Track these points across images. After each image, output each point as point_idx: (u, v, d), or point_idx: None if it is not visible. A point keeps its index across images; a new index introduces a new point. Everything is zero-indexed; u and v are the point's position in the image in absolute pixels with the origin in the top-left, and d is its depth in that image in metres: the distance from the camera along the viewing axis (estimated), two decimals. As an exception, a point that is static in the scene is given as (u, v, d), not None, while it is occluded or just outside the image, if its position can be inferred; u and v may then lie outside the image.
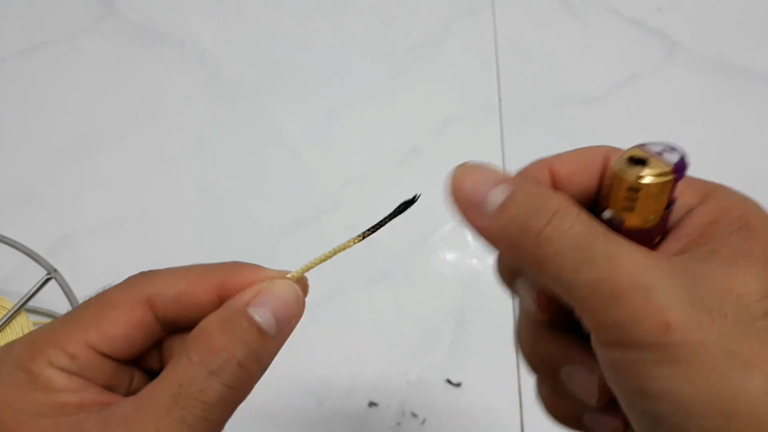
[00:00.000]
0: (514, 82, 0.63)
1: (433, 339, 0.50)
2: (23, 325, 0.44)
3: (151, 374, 0.26)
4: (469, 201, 0.22)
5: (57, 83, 0.63)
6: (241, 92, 0.63)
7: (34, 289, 0.43)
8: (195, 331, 0.23)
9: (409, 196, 0.25)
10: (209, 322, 0.23)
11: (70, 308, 0.44)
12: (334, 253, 0.25)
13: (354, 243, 0.25)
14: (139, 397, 0.22)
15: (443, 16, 0.68)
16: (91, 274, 0.52)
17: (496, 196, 0.22)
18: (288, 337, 0.24)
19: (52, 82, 0.63)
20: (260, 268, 0.25)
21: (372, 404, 0.47)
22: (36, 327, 0.46)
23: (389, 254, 0.52)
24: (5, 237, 0.46)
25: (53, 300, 0.48)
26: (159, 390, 0.22)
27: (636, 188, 0.21)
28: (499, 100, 0.62)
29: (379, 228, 0.25)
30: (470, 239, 0.54)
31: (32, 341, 0.23)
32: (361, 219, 0.56)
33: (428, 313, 0.51)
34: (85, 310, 0.23)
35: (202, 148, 0.60)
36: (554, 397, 0.25)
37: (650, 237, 0.22)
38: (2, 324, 0.43)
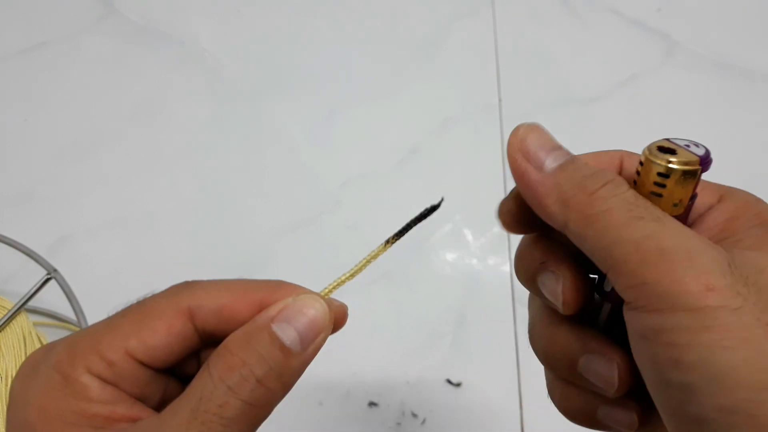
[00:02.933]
0: (514, 82, 0.63)
1: (433, 339, 0.50)
2: (23, 325, 0.44)
3: (187, 381, 0.26)
4: (528, 154, 0.23)
5: (57, 83, 0.63)
6: (241, 92, 0.63)
7: (34, 289, 0.43)
8: (219, 347, 0.23)
9: (435, 201, 0.25)
10: (232, 338, 0.23)
11: (70, 308, 0.44)
12: (366, 263, 0.25)
13: (384, 250, 0.25)
14: (162, 414, 0.22)
15: (443, 16, 0.68)
16: (91, 274, 0.52)
17: (557, 157, 0.23)
18: (315, 354, 0.23)
19: (52, 82, 0.63)
20: (302, 288, 0.25)
21: (372, 404, 0.47)
22: (36, 327, 0.46)
23: (389, 254, 0.52)
24: (5, 237, 0.46)
25: (53, 300, 0.48)
26: (180, 405, 0.22)
27: (666, 174, 0.21)
28: (499, 100, 0.62)
29: (405, 232, 0.25)
30: (470, 239, 0.54)
31: (72, 345, 0.23)
32: (361, 219, 0.56)
33: (428, 313, 0.51)
34: (126, 317, 0.23)
35: (202, 148, 0.60)
36: (568, 393, 0.25)
37: None
38: (2, 324, 0.43)
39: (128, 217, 0.56)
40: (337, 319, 0.25)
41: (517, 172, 0.23)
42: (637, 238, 0.20)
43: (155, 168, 0.58)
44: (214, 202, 0.57)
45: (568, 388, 0.25)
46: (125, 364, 0.22)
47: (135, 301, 0.24)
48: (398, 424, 0.47)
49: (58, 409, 0.22)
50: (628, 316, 0.21)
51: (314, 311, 0.23)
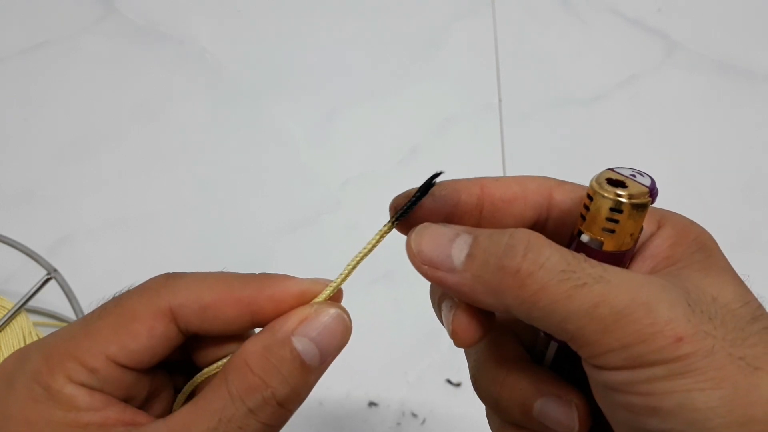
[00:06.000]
0: (514, 82, 0.63)
1: (433, 339, 0.50)
2: (23, 325, 0.44)
3: (172, 369, 0.25)
4: (432, 262, 0.21)
5: (57, 83, 0.63)
6: (241, 92, 0.63)
7: (34, 289, 0.43)
8: (236, 359, 0.21)
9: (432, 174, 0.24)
10: (251, 352, 0.21)
11: (70, 308, 0.44)
12: (371, 248, 0.24)
13: (387, 232, 0.24)
14: (171, 425, 0.21)
15: (443, 16, 0.68)
16: (91, 274, 0.52)
17: (460, 249, 0.21)
18: (328, 367, 0.22)
19: (52, 82, 0.63)
20: (292, 279, 0.23)
21: (372, 404, 0.47)
22: (36, 327, 0.46)
23: (389, 254, 0.52)
24: (5, 237, 0.46)
25: (53, 300, 0.48)
26: (196, 420, 0.21)
27: (619, 209, 0.21)
28: (499, 100, 0.62)
29: (409, 211, 0.24)
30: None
31: (48, 353, 0.22)
32: (361, 219, 0.56)
33: (428, 313, 0.51)
34: (103, 320, 0.22)
35: (202, 148, 0.60)
36: None
37: (623, 261, 0.22)
38: (2, 324, 0.43)
39: (128, 218, 0.56)
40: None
41: (434, 282, 0.22)
42: (587, 308, 0.19)
43: (155, 168, 0.58)
44: (214, 202, 0.57)
45: None
46: (108, 369, 0.21)
47: (110, 299, 0.23)
48: (398, 424, 0.47)
49: (47, 422, 0.21)
50: (593, 372, 0.20)
51: (336, 324, 0.22)
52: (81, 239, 0.54)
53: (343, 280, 0.23)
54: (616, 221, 0.21)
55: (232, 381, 0.21)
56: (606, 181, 0.21)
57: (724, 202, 0.55)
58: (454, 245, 0.21)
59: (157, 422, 0.21)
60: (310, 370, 0.22)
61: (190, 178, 0.58)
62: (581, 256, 0.20)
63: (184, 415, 0.21)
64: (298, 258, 0.54)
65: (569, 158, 0.58)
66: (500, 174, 0.57)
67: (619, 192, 0.21)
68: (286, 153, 0.59)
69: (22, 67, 0.64)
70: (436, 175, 0.23)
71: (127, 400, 0.23)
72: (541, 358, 0.25)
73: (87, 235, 0.55)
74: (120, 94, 0.63)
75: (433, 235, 0.22)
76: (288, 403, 0.21)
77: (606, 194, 0.21)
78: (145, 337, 0.22)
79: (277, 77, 0.64)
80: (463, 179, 0.24)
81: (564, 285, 0.19)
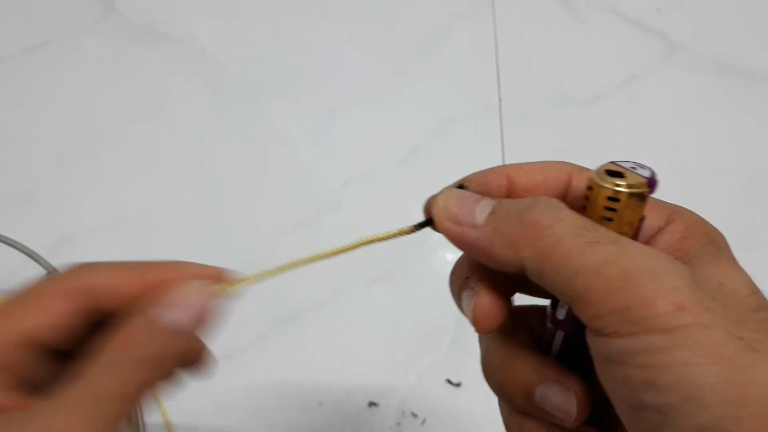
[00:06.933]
0: (514, 82, 0.63)
1: (433, 339, 0.50)
2: (23, 325, 0.44)
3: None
4: (456, 217, 0.23)
5: (57, 83, 0.63)
6: (241, 92, 0.63)
7: (34, 289, 0.43)
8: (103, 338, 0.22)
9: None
10: (117, 319, 0.22)
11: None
12: (384, 238, 0.25)
13: (408, 232, 0.25)
14: (54, 395, 0.21)
15: (443, 16, 0.68)
16: (91, 274, 0.52)
17: (483, 208, 0.23)
18: (197, 334, 0.23)
19: (52, 82, 0.63)
20: (195, 265, 0.25)
21: (372, 404, 0.47)
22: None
23: (389, 254, 0.52)
24: (5, 237, 0.46)
25: (53, 300, 0.48)
26: (68, 386, 0.21)
27: (616, 198, 0.21)
28: (499, 100, 0.62)
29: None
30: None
31: None
32: (361, 219, 0.56)
33: (428, 313, 0.51)
34: (13, 300, 0.23)
35: (202, 148, 0.60)
36: (526, 426, 0.25)
37: None
38: (2, 324, 0.43)
39: (128, 217, 0.56)
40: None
41: (456, 238, 0.23)
42: (598, 264, 0.20)
43: (155, 168, 0.58)
44: (214, 202, 0.57)
45: (525, 420, 0.25)
46: (9, 347, 0.21)
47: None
48: (398, 424, 0.47)
49: None
50: (595, 342, 0.20)
51: (197, 294, 0.24)
52: (81, 239, 0.54)
53: (277, 273, 0.25)
54: (614, 210, 0.22)
55: (96, 347, 0.22)
56: (605, 172, 0.22)
57: (724, 202, 0.55)
58: (479, 205, 0.23)
59: (46, 399, 0.21)
60: (171, 335, 0.22)
61: (190, 178, 0.58)
62: (597, 224, 0.21)
63: (63, 386, 0.21)
64: (297, 258, 0.54)
65: (569, 158, 0.58)
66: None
67: (616, 182, 0.21)
68: (286, 153, 0.59)
69: (22, 67, 0.64)
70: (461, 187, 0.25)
71: (40, 385, 0.22)
72: (548, 349, 0.25)
73: (87, 235, 0.55)
74: (120, 94, 0.63)
75: (460, 196, 0.24)
76: (154, 366, 0.22)
77: (604, 184, 0.22)
78: (51, 315, 0.22)
79: (277, 77, 0.64)
80: (489, 171, 0.25)
81: (579, 240, 0.20)
